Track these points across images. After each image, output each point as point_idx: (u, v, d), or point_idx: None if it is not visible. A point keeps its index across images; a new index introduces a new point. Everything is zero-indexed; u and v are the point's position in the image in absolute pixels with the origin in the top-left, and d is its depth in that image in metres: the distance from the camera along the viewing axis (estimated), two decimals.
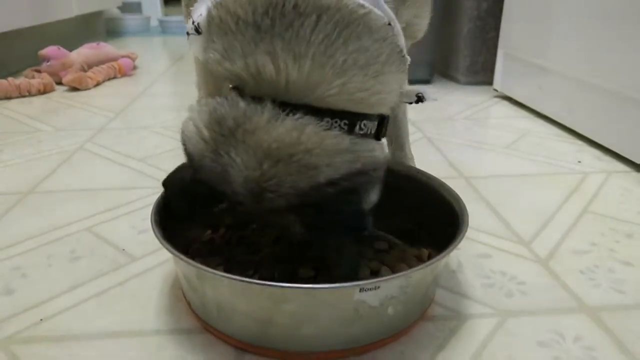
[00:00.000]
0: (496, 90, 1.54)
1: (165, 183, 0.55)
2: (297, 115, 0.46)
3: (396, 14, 0.56)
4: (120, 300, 0.60)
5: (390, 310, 0.48)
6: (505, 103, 1.48)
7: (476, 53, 1.67)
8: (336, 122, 0.48)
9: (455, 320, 0.57)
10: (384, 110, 0.53)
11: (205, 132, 0.49)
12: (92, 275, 0.64)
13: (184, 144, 0.52)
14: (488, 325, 0.56)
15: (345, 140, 0.48)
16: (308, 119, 0.46)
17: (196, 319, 0.55)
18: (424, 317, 0.56)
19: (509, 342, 0.53)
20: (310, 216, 0.48)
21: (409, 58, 0.54)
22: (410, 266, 0.60)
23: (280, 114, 0.46)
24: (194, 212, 0.54)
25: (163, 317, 0.56)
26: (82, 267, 0.66)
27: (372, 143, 0.51)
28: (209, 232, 0.67)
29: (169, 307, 0.58)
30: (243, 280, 0.44)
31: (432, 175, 0.67)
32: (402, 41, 0.52)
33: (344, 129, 0.48)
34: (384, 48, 0.49)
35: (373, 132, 0.51)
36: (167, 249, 0.49)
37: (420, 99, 0.64)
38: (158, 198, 0.59)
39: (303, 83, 0.46)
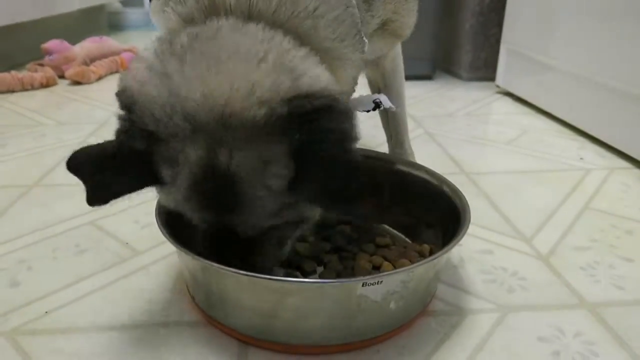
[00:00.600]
0: (498, 87, 1.54)
1: (70, 163, 0.45)
2: (263, 27, 0.45)
3: (369, 6, 0.57)
4: (125, 293, 0.60)
5: (392, 305, 0.49)
6: (508, 99, 1.48)
7: (478, 49, 1.67)
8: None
9: (456, 315, 0.57)
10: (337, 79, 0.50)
11: (151, 57, 0.44)
12: (96, 268, 0.65)
13: (120, 92, 0.45)
14: (489, 321, 0.56)
15: (317, 59, 0.46)
16: (278, 31, 0.45)
17: (200, 313, 0.55)
18: (425, 312, 0.56)
19: (509, 337, 0.54)
20: (310, 137, 0.41)
21: (366, 41, 0.55)
22: (411, 261, 0.61)
23: (244, 23, 0.45)
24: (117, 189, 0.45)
25: (166, 309, 0.57)
26: (86, 261, 0.66)
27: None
28: None
29: (173, 300, 0.59)
30: (248, 275, 0.45)
31: (434, 171, 0.67)
32: (359, 21, 0.52)
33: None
34: (346, 16, 0.50)
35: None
36: (171, 242, 0.49)
37: (377, 105, 0.64)
38: None
39: (266, 9, 0.45)
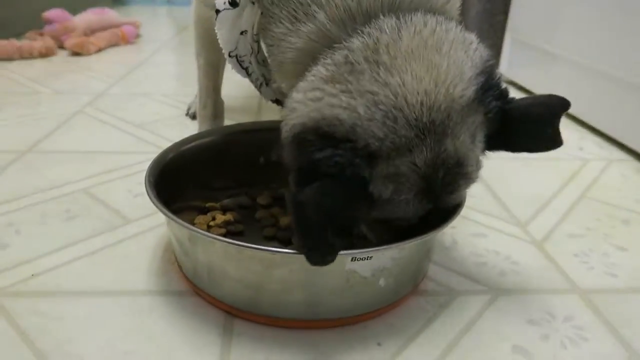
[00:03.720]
0: (502, 75, 1.52)
1: (301, 200, 0.40)
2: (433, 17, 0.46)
3: None
4: (113, 260, 0.59)
5: (381, 282, 0.48)
6: (511, 88, 1.46)
7: (483, 37, 1.62)
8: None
9: (446, 295, 0.57)
10: None
11: (341, 79, 0.42)
12: (86, 234, 0.64)
13: (325, 126, 0.42)
14: (479, 302, 0.56)
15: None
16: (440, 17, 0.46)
17: (187, 282, 0.55)
18: (416, 291, 0.56)
19: (498, 318, 0.53)
20: (496, 95, 0.46)
21: None
22: None
23: (422, 15, 0.45)
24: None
25: (154, 278, 0.56)
26: (76, 227, 0.66)
27: None
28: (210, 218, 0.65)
29: (161, 269, 0.58)
30: (234, 244, 0.44)
31: None
32: None
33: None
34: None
35: None
36: (160, 209, 0.49)
37: None
38: (154, 160, 0.58)
39: None
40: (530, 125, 0.49)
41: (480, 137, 0.47)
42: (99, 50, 1.67)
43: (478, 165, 0.48)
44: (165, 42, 1.91)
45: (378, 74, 0.42)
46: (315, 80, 0.44)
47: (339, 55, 0.43)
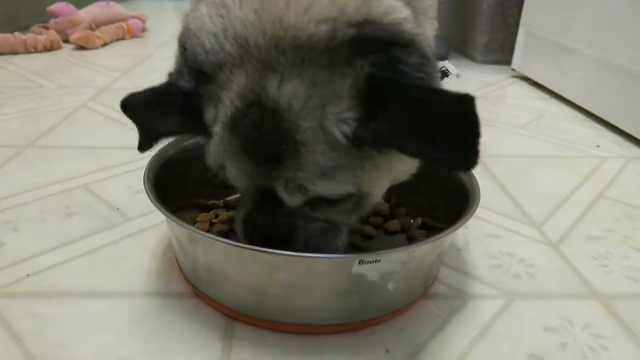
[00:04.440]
0: (514, 70, 1.49)
1: (125, 104, 0.42)
2: None
3: None
4: (111, 260, 0.57)
5: (390, 286, 0.45)
6: (523, 84, 1.43)
7: (495, 30, 1.61)
8: None
9: (458, 299, 0.54)
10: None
11: None
12: (84, 233, 0.62)
13: (180, 34, 0.41)
14: (493, 307, 0.53)
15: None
16: None
17: (187, 284, 0.52)
18: (426, 295, 0.53)
19: (513, 325, 0.51)
20: (387, 70, 0.34)
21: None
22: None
23: None
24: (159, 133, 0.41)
25: (154, 279, 0.54)
26: (75, 224, 0.64)
27: None
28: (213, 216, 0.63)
29: (161, 270, 0.56)
30: (236, 246, 0.41)
31: None
32: None
33: None
34: None
35: None
36: (158, 208, 0.46)
37: (445, 74, 0.59)
38: (154, 156, 0.56)
39: None
40: (422, 121, 0.34)
41: (338, 109, 0.35)
42: (105, 44, 1.66)
43: (330, 149, 0.36)
44: (172, 36, 1.89)
45: None
46: None
47: None
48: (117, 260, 0.57)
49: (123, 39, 1.76)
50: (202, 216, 0.62)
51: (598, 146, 0.99)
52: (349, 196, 0.41)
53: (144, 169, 0.55)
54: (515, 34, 1.49)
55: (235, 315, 0.48)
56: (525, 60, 1.45)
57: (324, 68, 0.35)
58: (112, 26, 1.73)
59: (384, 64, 0.35)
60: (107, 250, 0.59)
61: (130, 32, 1.78)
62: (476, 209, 0.50)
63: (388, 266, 0.44)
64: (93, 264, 0.57)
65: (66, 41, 1.62)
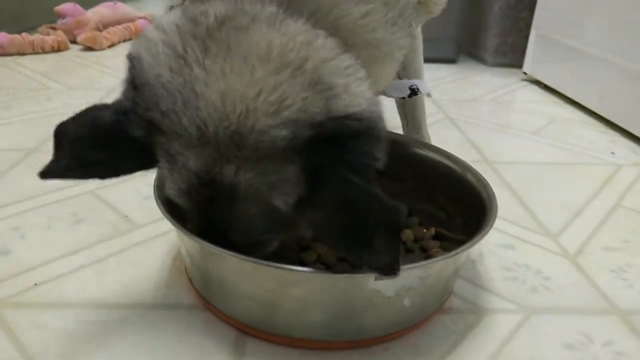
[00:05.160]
0: (525, 74, 1.47)
1: (58, 131, 0.41)
2: (304, 22, 0.38)
3: None
4: (119, 269, 0.56)
5: (406, 302, 0.44)
6: (534, 87, 1.41)
7: (506, 33, 1.59)
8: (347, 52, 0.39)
9: (474, 314, 0.53)
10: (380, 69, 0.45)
11: (171, 31, 0.38)
12: (92, 240, 0.61)
13: (131, 59, 0.40)
14: (509, 322, 0.52)
15: (362, 72, 0.39)
16: (321, 32, 0.38)
17: (197, 296, 0.51)
18: (441, 309, 0.52)
19: (532, 341, 0.49)
20: (332, 161, 0.36)
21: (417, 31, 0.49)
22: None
23: (285, 15, 0.37)
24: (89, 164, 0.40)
25: (163, 290, 0.53)
26: (82, 232, 0.63)
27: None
28: None
29: (170, 280, 0.55)
30: (250, 260, 0.40)
31: (457, 158, 0.62)
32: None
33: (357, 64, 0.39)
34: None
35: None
36: (169, 219, 0.45)
37: (414, 92, 0.58)
38: None
39: None
40: (347, 219, 0.36)
41: (285, 189, 0.38)
42: (112, 45, 1.65)
43: (275, 217, 0.39)
44: None
45: (207, 52, 0.36)
46: (173, 26, 0.40)
47: (201, 13, 0.39)
48: (125, 270, 0.56)
49: (130, 39, 1.75)
50: None
51: (612, 153, 0.97)
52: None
53: (154, 175, 0.53)
54: (526, 37, 1.48)
55: (247, 330, 0.47)
56: (537, 63, 1.43)
57: (279, 163, 0.37)
58: (120, 27, 1.73)
59: (330, 155, 0.36)
60: (115, 259, 0.58)
61: (138, 32, 1.77)
62: (494, 220, 0.49)
63: (404, 282, 0.42)
64: (100, 274, 0.56)
65: (73, 42, 1.61)
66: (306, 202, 0.38)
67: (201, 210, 0.41)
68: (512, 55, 1.60)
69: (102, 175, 0.41)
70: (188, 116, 0.36)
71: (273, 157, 0.36)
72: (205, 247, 0.42)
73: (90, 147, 0.40)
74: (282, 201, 0.38)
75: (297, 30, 0.38)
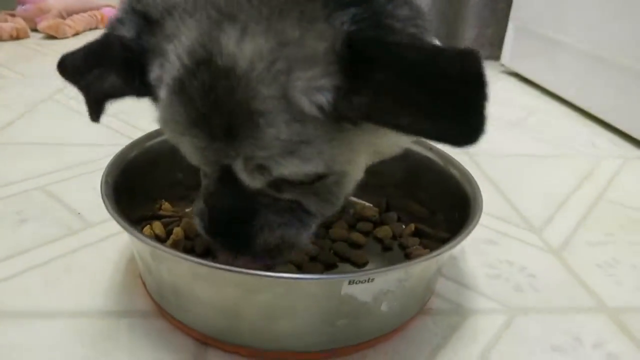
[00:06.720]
0: (503, 66, 1.44)
1: (61, 65, 0.37)
2: None
3: None
4: (68, 273, 0.51)
5: (384, 307, 0.40)
6: (513, 79, 1.39)
7: (484, 25, 1.56)
8: None
9: (456, 315, 0.49)
10: None
11: None
12: (38, 241, 0.55)
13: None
14: (494, 323, 0.48)
15: None
16: None
17: (153, 302, 0.46)
18: (422, 310, 0.48)
19: (517, 343, 0.46)
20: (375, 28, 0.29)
21: None
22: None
23: None
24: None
25: (115, 296, 0.48)
26: (27, 232, 0.57)
27: None
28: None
29: (123, 284, 0.49)
30: (206, 265, 0.35)
31: (439, 149, 0.58)
32: None
33: None
34: None
35: None
36: (116, 219, 0.40)
37: None
38: (114, 158, 0.49)
39: None
40: (418, 88, 0.27)
41: (308, 73, 0.29)
42: (76, 33, 1.57)
43: (294, 118, 0.30)
44: None
45: None
46: None
47: None
48: (74, 274, 0.51)
49: (96, 28, 1.67)
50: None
51: (594, 144, 0.95)
52: (319, 177, 0.35)
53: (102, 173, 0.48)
54: (504, 28, 1.45)
55: (207, 340, 0.42)
56: (515, 55, 1.41)
57: (296, 23, 0.29)
58: (84, 14, 1.64)
59: (368, 19, 0.29)
60: (64, 262, 0.52)
61: (104, 21, 1.69)
62: (479, 217, 0.45)
63: (382, 285, 0.38)
64: (47, 278, 0.50)
65: (34, 30, 1.53)
66: (349, 92, 0.29)
67: (198, 112, 0.31)
68: (490, 48, 1.57)
69: (106, 97, 0.35)
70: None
71: (290, 14, 0.29)
72: (156, 250, 0.37)
73: (89, 73, 0.35)
74: (309, 100, 0.29)
75: None
